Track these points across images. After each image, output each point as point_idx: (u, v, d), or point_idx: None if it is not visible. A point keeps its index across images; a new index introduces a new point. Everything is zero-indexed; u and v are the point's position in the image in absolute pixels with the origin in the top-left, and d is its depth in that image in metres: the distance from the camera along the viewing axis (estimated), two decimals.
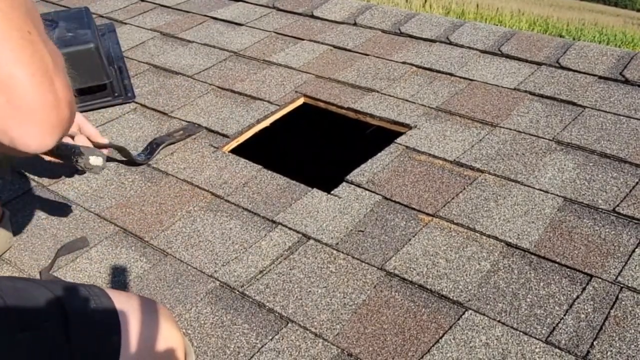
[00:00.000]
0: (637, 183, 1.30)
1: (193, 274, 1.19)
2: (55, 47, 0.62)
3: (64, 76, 0.59)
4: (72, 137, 1.28)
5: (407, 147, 1.48)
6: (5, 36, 0.52)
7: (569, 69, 1.74)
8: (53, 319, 0.78)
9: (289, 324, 1.06)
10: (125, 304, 0.87)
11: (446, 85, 1.72)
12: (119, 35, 2.14)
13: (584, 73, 1.71)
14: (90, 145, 1.29)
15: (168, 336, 0.90)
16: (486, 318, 1.04)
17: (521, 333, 1.01)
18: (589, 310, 1.03)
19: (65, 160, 1.12)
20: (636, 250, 1.14)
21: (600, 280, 1.09)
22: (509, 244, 1.18)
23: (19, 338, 0.75)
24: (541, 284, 1.10)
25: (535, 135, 1.48)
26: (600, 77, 1.69)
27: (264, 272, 1.17)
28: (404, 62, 1.85)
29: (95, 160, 1.10)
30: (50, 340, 0.77)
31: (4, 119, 0.54)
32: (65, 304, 0.81)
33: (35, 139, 0.56)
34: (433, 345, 1.00)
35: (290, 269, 1.17)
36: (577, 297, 1.06)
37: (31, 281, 0.86)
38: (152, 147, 1.55)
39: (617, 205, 1.25)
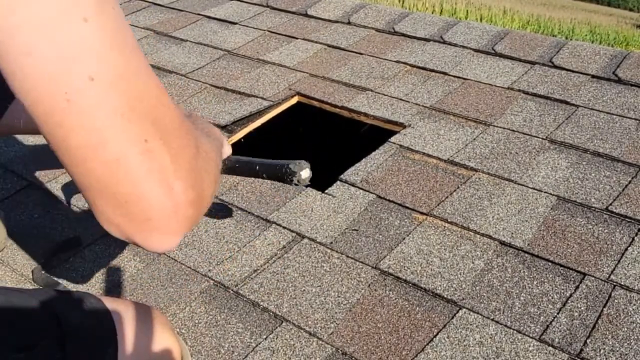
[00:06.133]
0: (629, 182, 1.31)
1: (187, 273, 1.18)
2: (191, 135, 0.57)
3: (189, 174, 0.55)
4: None
5: (401, 146, 1.48)
6: (123, 154, 0.50)
7: (562, 68, 1.74)
8: (49, 337, 0.76)
9: (283, 323, 1.06)
10: (121, 313, 0.86)
11: (440, 84, 1.72)
12: None
13: (577, 72, 1.72)
14: None
15: (165, 345, 0.89)
16: (480, 316, 1.04)
17: (515, 331, 1.01)
18: (582, 308, 1.04)
19: (272, 179, 1.04)
20: (629, 248, 1.15)
21: (593, 278, 1.09)
22: (502, 243, 1.19)
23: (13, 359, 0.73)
24: (535, 282, 1.10)
25: (528, 134, 1.49)
26: (593, 77, 1.70)
27: (258, 271, 1.17)
28: (397, 61, 1.85)
29: (306, 174, 1.01)
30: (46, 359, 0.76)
31: (124, 227, 0.54)
32: (61, 318, 0.79)
33: (156, 243, 0.56)
34: (427, 344, 1.00)
35: (285, 268, 1.17)
36: (571, 295, 1.07)
37: (25, 293, 0.84)
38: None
39: (610, 204, 1.25)
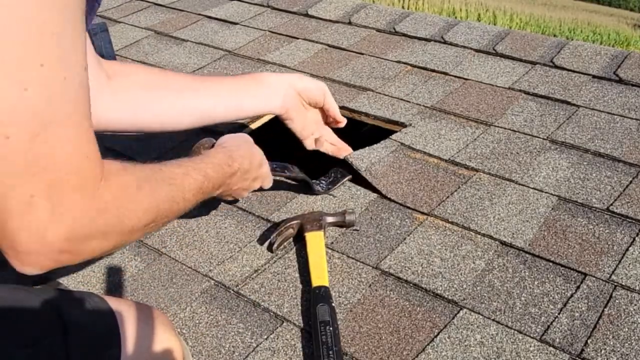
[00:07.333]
0: (630, 182, 1.31)
1: (188, 273, 1.18)
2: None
3: (72, 231, 0.64)
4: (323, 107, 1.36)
5: (402, 144, 1.48)
6: (4, 197, 0.60)
7: (563, 68, 1.74)
8: (52, 335, 0.77)
9: (284, 323, 1.06)
10: (123, 313, 0.86)
11: (441, 84, 1.72)
12: (113, 34, 2.13)
13: (578, 72, 1.72)
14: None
15: (166, 345, 0.89)
16: (481, 317, 1.04)
17: (516, 331, 1.01)
18: (583, 308, 1.04)
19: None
20: (630, 248, 1.15)
21: (594, 278, 1.09)
22: (503, 243, 1.19)
23: (16, 356, 0.73)
24: (535, 282, 1.10)
25: (529, 135, 1.48)
26: (594, 77, 1.69)
27: (259, 271, 1.17)
28: (398, 61, 1.85)
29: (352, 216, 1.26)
30: (50, 358, 0.76)
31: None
32: (64, 316, 0.79)
33: (18, 267, 0.65)
34: (428, 344, 1.00)
35: (285, 268, 1.17)
36: (572, 295, 1.07)
37: (29, 291, 0.84)
38: (337, 177, 1.40)
39: (611, 204, 1.25)
